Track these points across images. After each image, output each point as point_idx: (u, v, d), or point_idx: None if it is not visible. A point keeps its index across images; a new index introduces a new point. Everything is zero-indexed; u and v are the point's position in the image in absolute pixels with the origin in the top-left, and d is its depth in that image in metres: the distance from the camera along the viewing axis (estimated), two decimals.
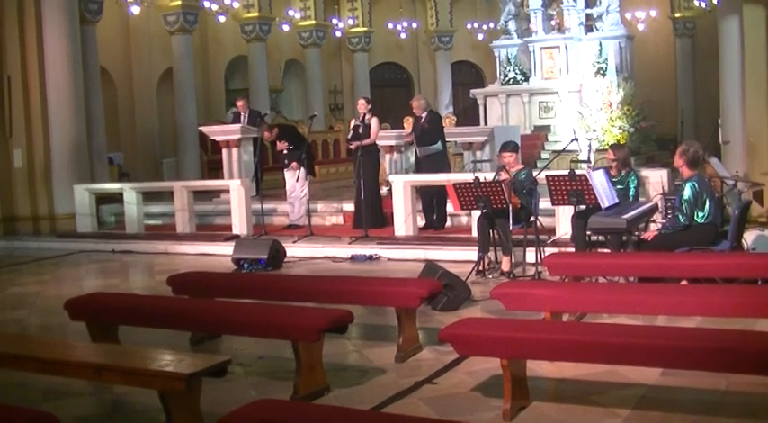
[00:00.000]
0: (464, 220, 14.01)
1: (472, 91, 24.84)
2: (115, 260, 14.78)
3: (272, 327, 6.77)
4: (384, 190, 15.79)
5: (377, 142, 15.23)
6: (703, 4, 23.13)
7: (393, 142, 17.01)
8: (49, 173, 17.51)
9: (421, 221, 14.24)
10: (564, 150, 13.05)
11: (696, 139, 20.49)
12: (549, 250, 10.76)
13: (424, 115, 14.41)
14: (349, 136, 14.77)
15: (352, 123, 14.82)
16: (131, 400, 6.73)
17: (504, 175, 11.16)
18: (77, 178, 17.29)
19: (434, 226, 14.21)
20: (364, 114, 14.48)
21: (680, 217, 9.42)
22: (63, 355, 6.01)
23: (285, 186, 15.73)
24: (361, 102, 14.84)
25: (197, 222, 16.01)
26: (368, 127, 14.35)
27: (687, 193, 9.38)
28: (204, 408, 5.64)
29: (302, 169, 15.05)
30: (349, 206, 15.46)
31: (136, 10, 21.17)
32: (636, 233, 10.23)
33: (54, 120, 17.37)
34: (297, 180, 15.10)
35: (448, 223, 14.35)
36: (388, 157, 17.19)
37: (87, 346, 6.88)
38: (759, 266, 8.50)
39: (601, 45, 22.92)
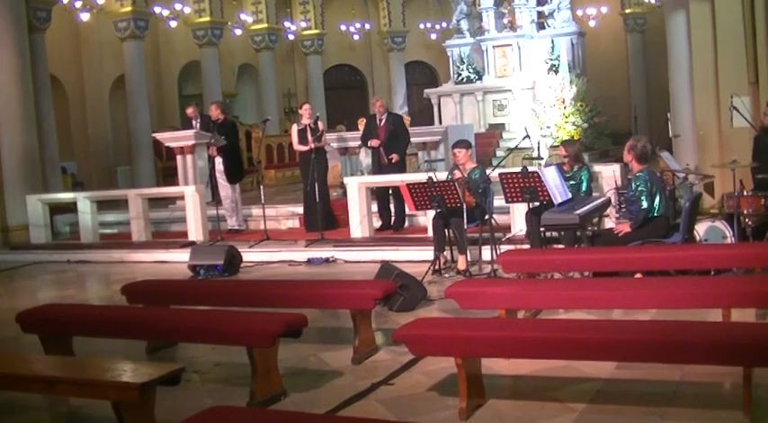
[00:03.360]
0: (422, 220, 14.01)
1: (426, 91, 24.92)
2: (70, 270, 14.64)
3: (226, 333, 6.73)
4: (339, 192, 15.75)
5: (332, 144, 15.20)
6: (652, 0, 23.38)
7: (350, 144, 17.00)
8: (0, 184, 17.29)
9: (377, 222, 14.24)
10: (516, 148, 13.06)
11: (649, 133, 20.74)
12: (504, 248, 10.80)
13: (384, 117, 14.33)
14: (297, 140, 14.49)
15: (296, 128, 14.64)
16: (87, 412, 6.65)
17: (457, 174, 11.18)
18: (30, 189, 17.08)
19: (393, 227, 14.19)
20: (317, 118, 14.43)
21: (643, 200, 9.41)
22: (13, 369, 5.92)
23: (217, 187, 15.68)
24: (308, 106, 14.71)
25: (153, 230, 15.90)
26: (317, 130, 14.24)
27: (640, 186, 9.45)
28: (161, 417, 5.59)
29: (224, 174, 15.14)
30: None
31: (85, 17, 21.05)
32: (591, 228, 10.31)
33: (4, 130, 17.15)
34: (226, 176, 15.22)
35: (406, 224, 14.33)
36: (343, 159, 17.18)
37: (39, 358, 6.79)
38: (711, 257, 8.61)
39: (553, 42, 23.11)
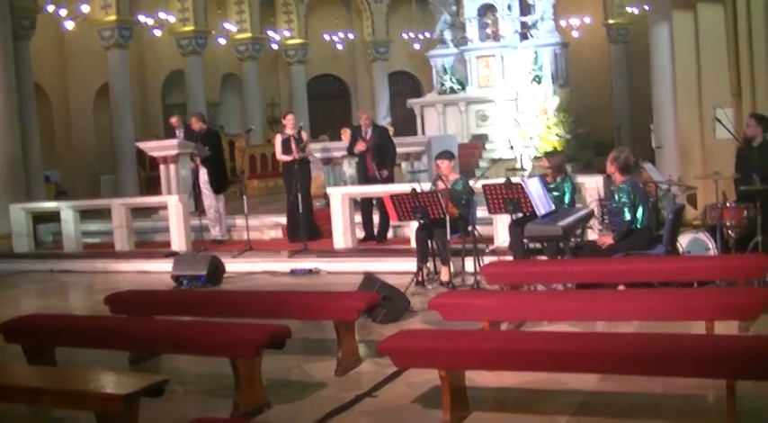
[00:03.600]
0: (407, 231, 13.99)
1: (409, 101, 24.91)
2: (54, 280, 14.57)
3: (210, 344, 6.73)
4: (322, 202, 15.73)
5: (315, 155, 15.18)
6: (635, 11, 23.47)
7: (333, 154, 17.01)
8: None
9: (360, 233, 14.21)
10: (500, 159, 13.10)
11: (632, 144, 20.81)
12: (488, 259, 10.81)
13: (369, 130, 14.29)
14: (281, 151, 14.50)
15: (279, 138, 14.62)
16: None
17: (440, 185, 11.18)
18: (13, 197, 16.98)
19: (376, 238, 14.16)
20: (300, 128, 14.43)
21: (626, 212, 9.44)
22: None
23: (201, 197, 15.59)
24: (291, 116, 14.73)
25: (136, 239, 15.82)
26: (300, 140, 14.21)
27: (623, 198, 9.48)
28: None
29: (208, 185, 15.11)
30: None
31: (70, 25, 20.97)
32: (574, 240, 10.32)
33: None
34: (210, 186, 15.17)
35: (390, 235, 14.30)
36: (326, 169, 17.16)
37: (21, 369, 6.76)
38: (694, 269, 8.64)
39: (536, 52, 23.12)
